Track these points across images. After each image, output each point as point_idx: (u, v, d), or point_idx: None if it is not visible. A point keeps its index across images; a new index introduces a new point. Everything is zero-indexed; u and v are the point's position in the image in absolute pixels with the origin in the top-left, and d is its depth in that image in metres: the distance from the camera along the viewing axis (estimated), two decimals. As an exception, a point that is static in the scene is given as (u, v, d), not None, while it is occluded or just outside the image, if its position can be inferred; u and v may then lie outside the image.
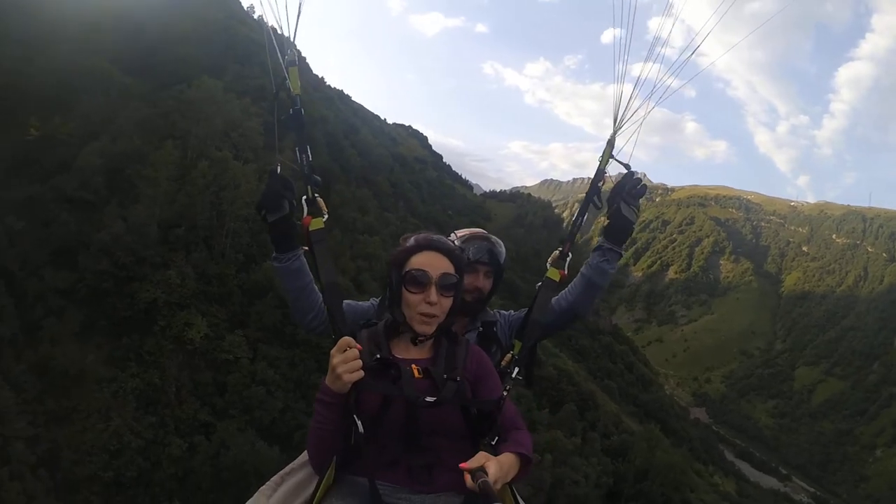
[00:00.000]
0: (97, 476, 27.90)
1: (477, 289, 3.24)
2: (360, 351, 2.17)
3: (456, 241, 3.26)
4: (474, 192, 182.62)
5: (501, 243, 3.41)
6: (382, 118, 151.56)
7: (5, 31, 47.12)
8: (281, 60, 2.67)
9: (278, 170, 2.76)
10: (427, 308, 2.29)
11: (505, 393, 2.35)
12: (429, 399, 2.18)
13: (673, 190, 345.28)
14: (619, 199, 3.08)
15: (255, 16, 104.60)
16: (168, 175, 39.19)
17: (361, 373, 2.13)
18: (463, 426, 2.29)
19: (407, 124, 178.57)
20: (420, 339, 2.36)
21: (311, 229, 2.64)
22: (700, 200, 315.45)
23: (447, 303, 2.35)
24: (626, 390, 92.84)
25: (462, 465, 1.89)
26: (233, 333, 37.40)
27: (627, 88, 3.02)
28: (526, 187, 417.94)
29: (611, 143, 3.04)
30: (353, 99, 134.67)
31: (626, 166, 3.06)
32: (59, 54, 47.84)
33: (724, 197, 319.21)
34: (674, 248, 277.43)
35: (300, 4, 2.68)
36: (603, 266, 3.13)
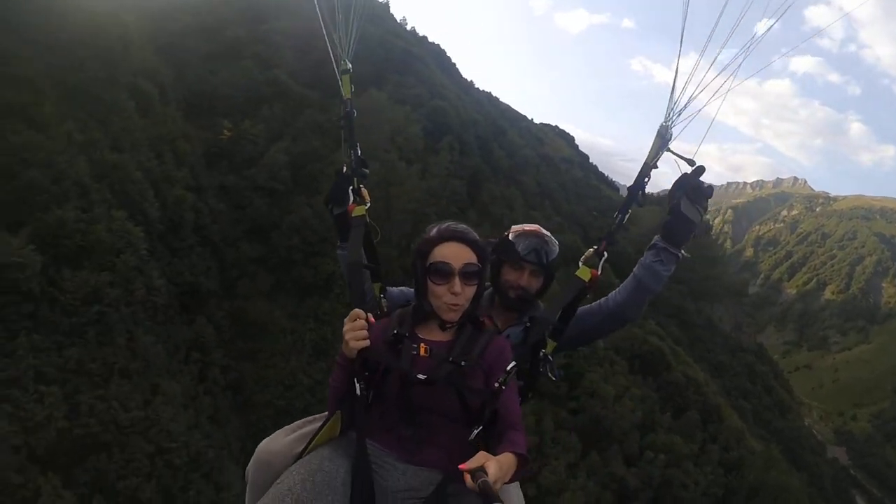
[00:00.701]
0: (271, 403, 32.93)
1: (520, 286, 3.18)
2: (372, 324, 2.46)
3: (510, 236, 3.26)
4: (621, 193, 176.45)
5: (555, 242, 3.30)
6: (529, 118, 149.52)
7: (194, 48, 56.91)
8: (337, 71, 3.08)
9: (344, 170, 3.19)
10: (452, 298, 2.45)
11: (497, 384, 2.38)
12: (420, 376, 2.36)
13: (835, 199, 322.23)
14: (681, 193, 2.88)
15: (408, 27, 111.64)
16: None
17: (367, 342, 2.40)
18: (458, 409, 2.40)
19: (553, 124, 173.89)
20: (447, 325, 2.53)
21: (353, 215, 3.02)
22: (864, 213, 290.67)
23: (470, 291, 2.50)
24: (761, 414, 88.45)
25: (462, 465, 1.91)
26: (394, 303, 42.80)
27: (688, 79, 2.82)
28: None
29: (661, 135, 2.86)
30: (501, 100, 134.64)
31: (690, 161, 2.85)
32: (243, 69, 56.66)
33: (892, 210, 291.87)
34: (832, 266, 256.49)
35: (352, 24, 3.11)
36: (655, 267, 2.99)
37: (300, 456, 2.47)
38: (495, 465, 1.91)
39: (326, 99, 58.53)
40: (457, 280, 2.45)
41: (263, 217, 42.01)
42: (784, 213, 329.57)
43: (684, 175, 2.88)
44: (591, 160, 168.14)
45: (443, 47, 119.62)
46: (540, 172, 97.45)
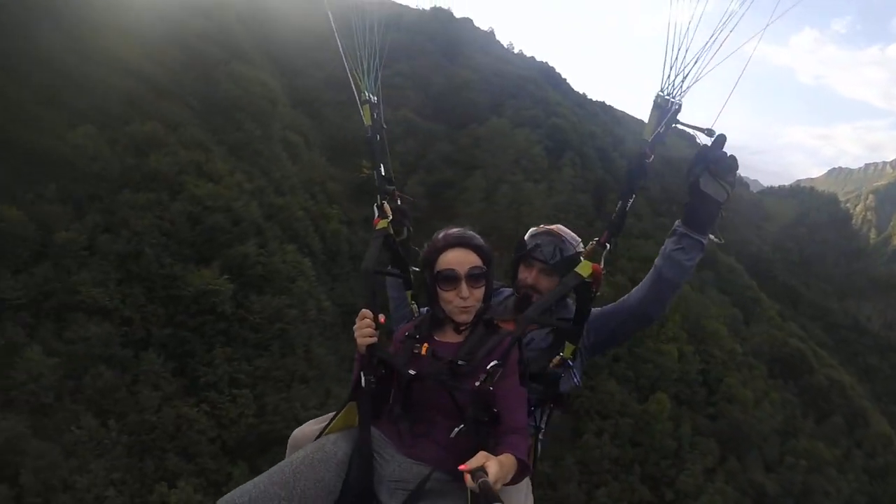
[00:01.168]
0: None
1: (528, 285, 3.11)
2: (382, 322, 2.63)
3: (526, 238, 3.25)
4: (751, 188, 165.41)
5: (575, 242, 3.17)
6: (646, 122, 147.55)
7: (328, 99, 63.29)
8: (358, 101, 3.35)
9: (399, 202, 3.38)
10: (461, 302, 2.52)
11: (478, 384, 2.36)
12: (411, 372, 2.46)
13: None
14: (700, 168, 2.53)
15: (516, 51, 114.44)
16: (479, 197, 49.28)
17: (373, 339, 2.55)
18: (452, 406, 2.43)
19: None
20: (461, 327, 2.59)
21: (377, 228, 3.21)
22: None
23: (479, 292, 2.57)
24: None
25: (462, 466, 1.94)
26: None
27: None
28: (811, 179, 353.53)
29: (659, 106, 2.55)
30: (616, 108, 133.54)
31: (708, 131, 2.50)
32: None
33: None
34: None
35: (374, 61, 3.32)
36: (676, 256, 2.67)
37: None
38: (496, 466, 1.96)
39: (452, 131, 63.15)
40: (463, 285, 2.52)
41: (409, 242, 46.60)
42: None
43: (703, 147, 2.57)
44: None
45: (551, 64, 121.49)
46: (664, 177, 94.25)
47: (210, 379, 28.94)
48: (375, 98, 3.37)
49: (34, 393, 25.05)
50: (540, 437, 2.97)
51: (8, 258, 27.99)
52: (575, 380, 2.84)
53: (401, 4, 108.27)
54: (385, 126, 3.41)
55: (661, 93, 2.50)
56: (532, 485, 2.71)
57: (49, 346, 26.49)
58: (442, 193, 51.09)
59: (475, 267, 2.53)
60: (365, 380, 2.56)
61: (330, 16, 3.39)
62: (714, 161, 2.49)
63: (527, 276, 3.12)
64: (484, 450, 2.05)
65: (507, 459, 2.11)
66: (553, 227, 3.23)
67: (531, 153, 57.87)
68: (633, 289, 2.89)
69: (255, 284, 32.77)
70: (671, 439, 46.97)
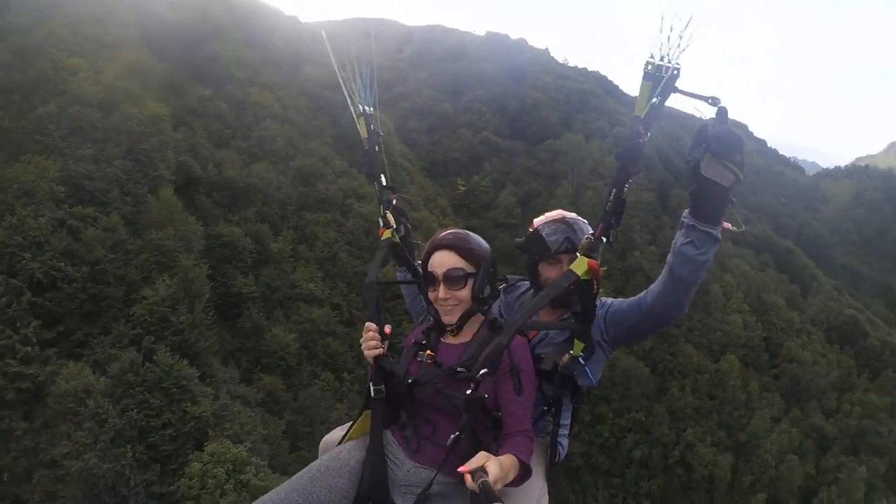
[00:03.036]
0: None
1: (548, 280, 2.86)
2: (388, 333, 2.73)
3: (536, 230, 2.98)
4: (807, 172, 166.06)
5: (583, 222, 2.91)
6: (697, 116, 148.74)
7: (418, 127, 74.73)
8: (354, 114, 3.35)
9: (394, 202, 3.36)
10: (443, 302, 2.57)
11: (469, 392, 2.37)
12: (409, 380, 2.55)
13: None
14: (701, 150, 2.13)
15: (571, 65, 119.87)
16: (566, 202, 58.03)
17: (379, 350, 2.66)
18: (451, 408, 2.49)
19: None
20: (448, 328, 2.64)
21: (382, 238, 3.26)
22: None
23: (462, 293, 2.56)
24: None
25: (461, 468, 1.95)
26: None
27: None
28: (871, 156, 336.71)
29: (651, 75, 2.09)
30: (668, 106, 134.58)
31: (712, 100, 2.04)
32: (460, 136, 73.32)
33: None
34: None
35: (366, 75, 3.32)
36: (686, 251, 2.33)
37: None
38: (496, 466, 1.98)
39: (530, 147, 73.28)
40: (441, 286, 2.55)
41: (508, 247, 56.48)
42: None
43: (702, 125, 2.12)
44: (768, 144, 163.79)
45: (602, 73, 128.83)
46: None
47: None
48: (371, 109, 3.38)
49: (283, 359, 35.88)
50: (561, 435, 2.87)
51: (236, 263, 38.72)
52: (589, 378, 2.66)
53: (464, 32, 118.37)
54: (381, 134, 3.41)
55: (650, 59, 2.06)
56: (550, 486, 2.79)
57: (284, 326, 37.23)
58: (531, 202, 60.63)
59: (454, 268, 2.54)
60: (374, 390, 2.68)
61: (324, 35, 3.40)
62: (714, 140, 2.07)
63: (557, 273, 2.80)
64: (485, 451, 2.08)
65: (508, 460, 2.17)
66: (556, 214, 3.01)
67: (606, 162, 66.21)
68: (651, 286, 2.61)
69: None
70: (742, 393, 56.21)
